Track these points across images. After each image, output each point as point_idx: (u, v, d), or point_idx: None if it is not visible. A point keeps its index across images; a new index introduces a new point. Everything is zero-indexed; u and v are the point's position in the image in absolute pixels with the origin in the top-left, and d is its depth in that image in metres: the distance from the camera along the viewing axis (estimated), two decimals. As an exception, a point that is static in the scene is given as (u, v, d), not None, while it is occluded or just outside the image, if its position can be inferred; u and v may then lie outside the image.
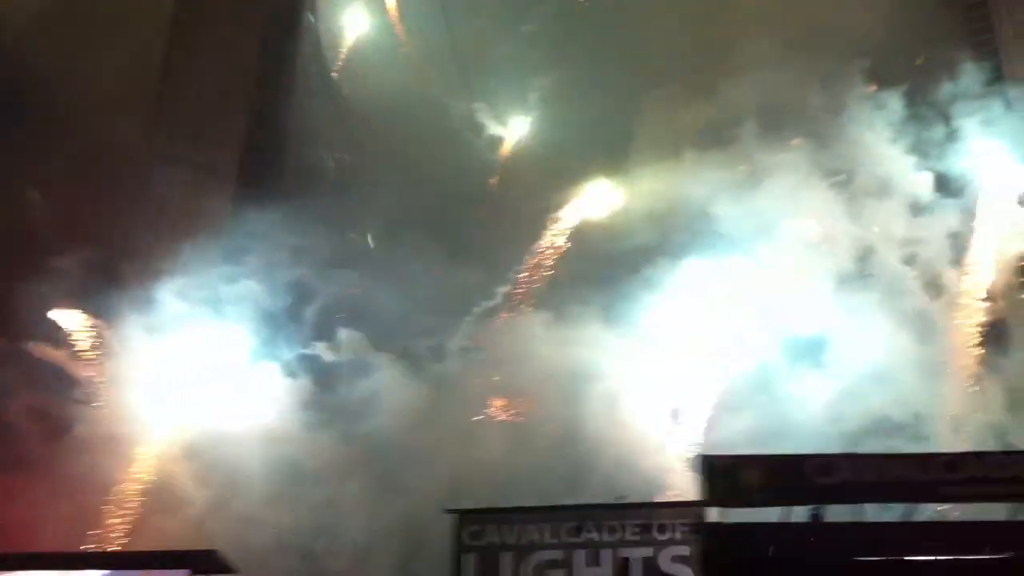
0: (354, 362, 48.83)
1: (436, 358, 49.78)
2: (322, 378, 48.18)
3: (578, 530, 26.43)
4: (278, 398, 46.27)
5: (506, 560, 26.23)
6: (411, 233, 52.51)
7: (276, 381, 47.04)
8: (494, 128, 63.42)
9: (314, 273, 49.73)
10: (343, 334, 49.56)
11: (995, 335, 45.34)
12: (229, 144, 50.44)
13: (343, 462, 44.28)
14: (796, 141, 49.43)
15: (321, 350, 48.97)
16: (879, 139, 48.19)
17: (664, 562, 26.21)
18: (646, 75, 58.18)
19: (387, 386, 47.49)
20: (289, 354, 48.74)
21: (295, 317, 49.77)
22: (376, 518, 41.20)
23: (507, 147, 63.27)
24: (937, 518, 28.32)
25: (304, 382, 47.50)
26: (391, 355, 49.03)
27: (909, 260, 46.20)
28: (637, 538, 26.32)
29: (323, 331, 49.90)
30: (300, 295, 49.71)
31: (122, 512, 42.91)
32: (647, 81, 57.99)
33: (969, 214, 46.70)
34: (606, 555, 26.20)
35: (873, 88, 49.68)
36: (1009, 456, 27.58)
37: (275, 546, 40.15)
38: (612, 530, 26.42)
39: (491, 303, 51.64)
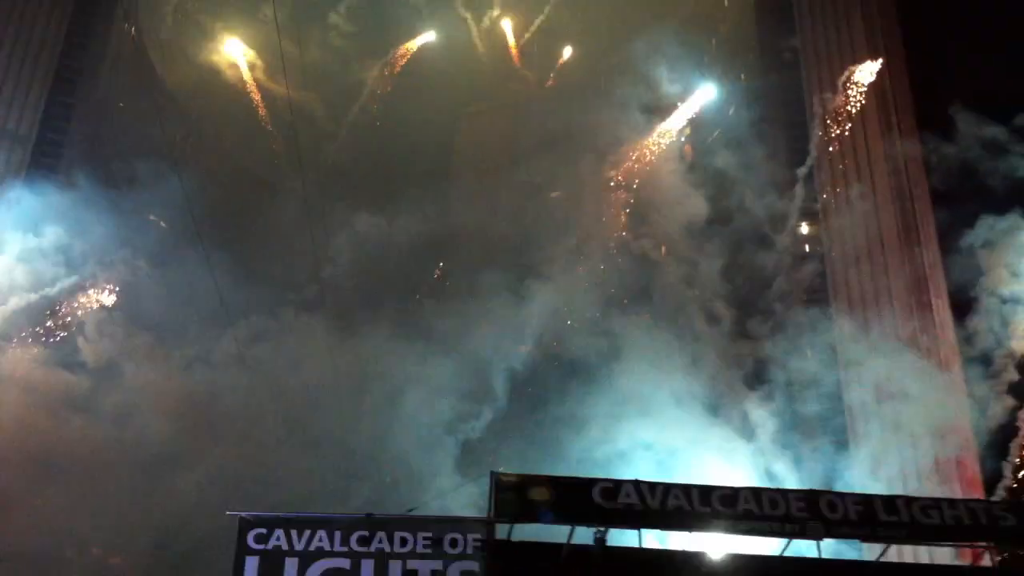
0: (122, 356, 46.89)
1: (208, 358, 48.33)
2: (85, 370, 46.04)
3: (367, 539, 25.89)
4: (37, 385, 43.92)
5: (291, 566, 25.44)
6: (207, 228, 50.70)
7: (36, 368, 44.69)
8: (322, 124, 61.83)
9: (95, 258, 47.46)
10: (113, 326, 47.54)
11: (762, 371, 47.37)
12: (28, 108, 47.30)
13: (107, 459, 42.33)
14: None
15: (84, 343, 46.75)
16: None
17: (452, 576, 25.95)
18: (467, 89, 58.47)
19: (156, 384, 45.85)
20: (51, 340, 46.45)
21: (64, 302, 47.43)
22: (147, 517, 39.46)
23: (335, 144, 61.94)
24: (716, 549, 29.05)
25: (67, 371, 45.34)
26: (164, 352, 47.40)
27: (689, 283, 47.89)
28: (427, 551, 25.95)
29: (94, 321, 47.68)
30: (75, 279, 47.32)
31: None
32: (464, 96, 58.26)
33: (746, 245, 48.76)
34: (395, 566, 25.64)
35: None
36: (783, 493, 28.57)
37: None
38: (402, 541, 25.98)
39: (277, 307, 50.60)
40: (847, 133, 48.82)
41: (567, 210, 51.37)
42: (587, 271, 50.15)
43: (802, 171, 48.96)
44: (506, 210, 50.19)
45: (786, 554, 28.17)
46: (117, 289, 48.75)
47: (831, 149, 48.98)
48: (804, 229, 50.03)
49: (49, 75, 48.14)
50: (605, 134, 51.85)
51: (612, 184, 52.33)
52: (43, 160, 48.43)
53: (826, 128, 48.98)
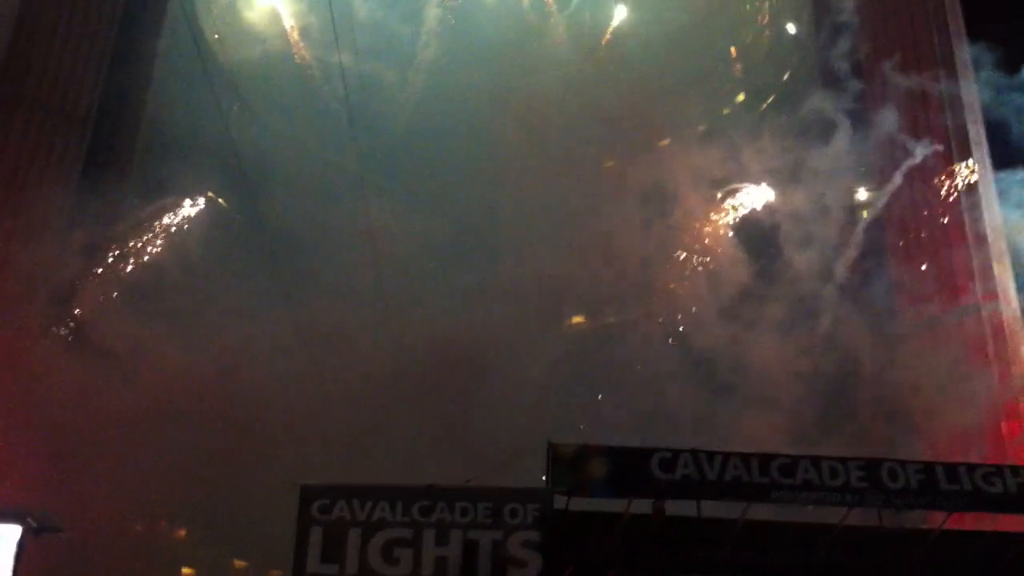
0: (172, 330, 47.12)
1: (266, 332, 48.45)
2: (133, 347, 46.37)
3: (428, 509, 26.21)
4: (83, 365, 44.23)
5: (354, 536, 25.82)
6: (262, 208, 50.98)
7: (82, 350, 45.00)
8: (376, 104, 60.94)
9: (148, 237, 47.84)
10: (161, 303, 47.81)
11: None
12: (86, 91, 47.10)
13: (161, 432, 42.62)
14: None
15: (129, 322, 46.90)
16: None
17: (513, 546, 26.11)
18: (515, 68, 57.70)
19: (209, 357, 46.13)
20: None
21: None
22: (211, 489, 39.86)
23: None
24: (776, 518, 29.05)
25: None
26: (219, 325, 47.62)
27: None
28: (488, 521, 26.21)
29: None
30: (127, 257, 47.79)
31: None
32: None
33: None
34: (456, 536, 26.02)
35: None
36: (843, 462, 28.32)
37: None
38: (463, 511, 26.28)
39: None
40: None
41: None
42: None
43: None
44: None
45: (848, 523, 28.11)
46: (167, 268, 49.02)
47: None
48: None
49: (105, 58, 47.64)
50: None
51: None
52: (100, 143, 48.05)
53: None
